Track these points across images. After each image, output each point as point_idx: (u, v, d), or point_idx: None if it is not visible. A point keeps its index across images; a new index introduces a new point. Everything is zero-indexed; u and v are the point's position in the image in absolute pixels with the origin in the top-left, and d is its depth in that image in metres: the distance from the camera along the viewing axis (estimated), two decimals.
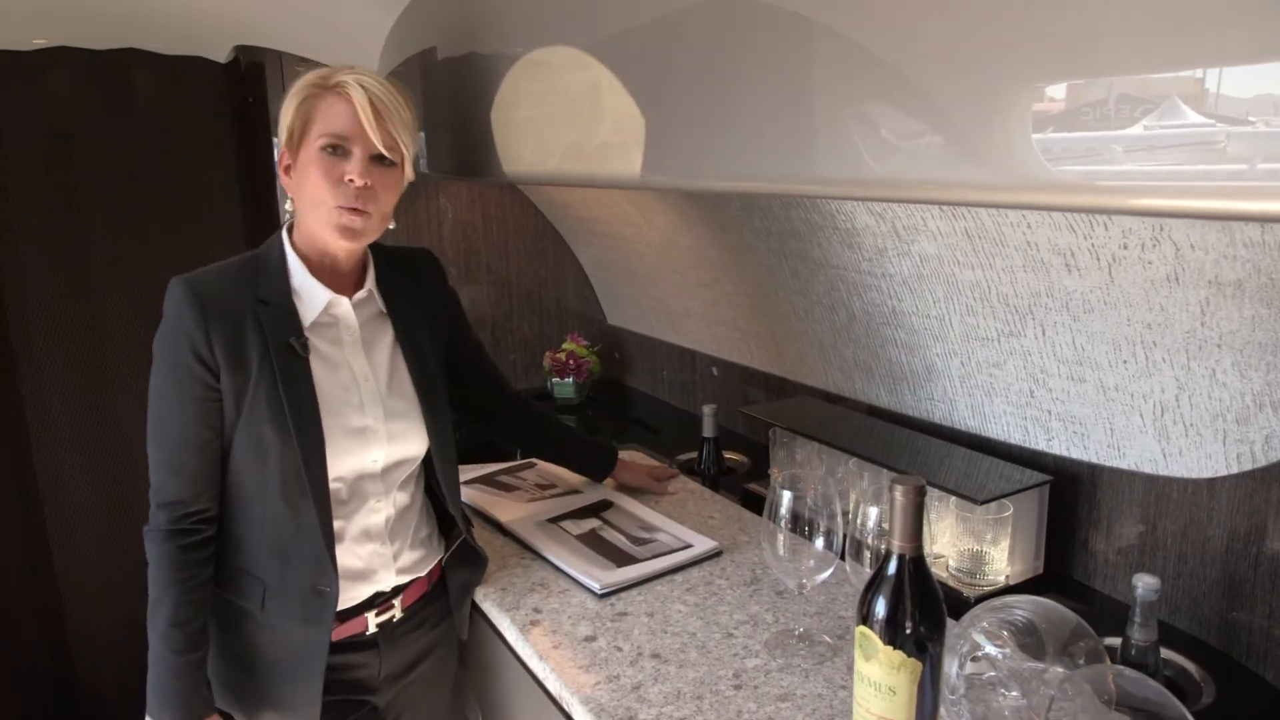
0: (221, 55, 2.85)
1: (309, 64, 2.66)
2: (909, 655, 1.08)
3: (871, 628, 1.10)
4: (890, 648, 1.08)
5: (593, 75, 1.48)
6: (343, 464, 1.46)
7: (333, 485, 1.45)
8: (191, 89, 2.85)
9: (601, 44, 1.49)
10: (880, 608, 1.09)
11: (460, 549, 1.68)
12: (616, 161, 1.43)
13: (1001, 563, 1.65)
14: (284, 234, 1.50)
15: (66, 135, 2.69)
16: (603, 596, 1.63)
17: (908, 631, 1.08)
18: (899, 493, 1.07)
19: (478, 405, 1.87)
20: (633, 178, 1.39)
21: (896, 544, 1.08)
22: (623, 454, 2.14)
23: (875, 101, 1.04)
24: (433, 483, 1.64)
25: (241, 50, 2.80)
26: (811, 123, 1.12)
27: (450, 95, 2.03)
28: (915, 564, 1.08)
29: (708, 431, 2.30)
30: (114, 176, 2.77)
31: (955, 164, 0.97)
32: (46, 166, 2.68)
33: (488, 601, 1.66)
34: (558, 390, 3.02)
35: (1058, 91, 0.87)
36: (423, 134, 2.24)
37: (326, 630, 1.47)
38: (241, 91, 2.86)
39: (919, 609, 1.08)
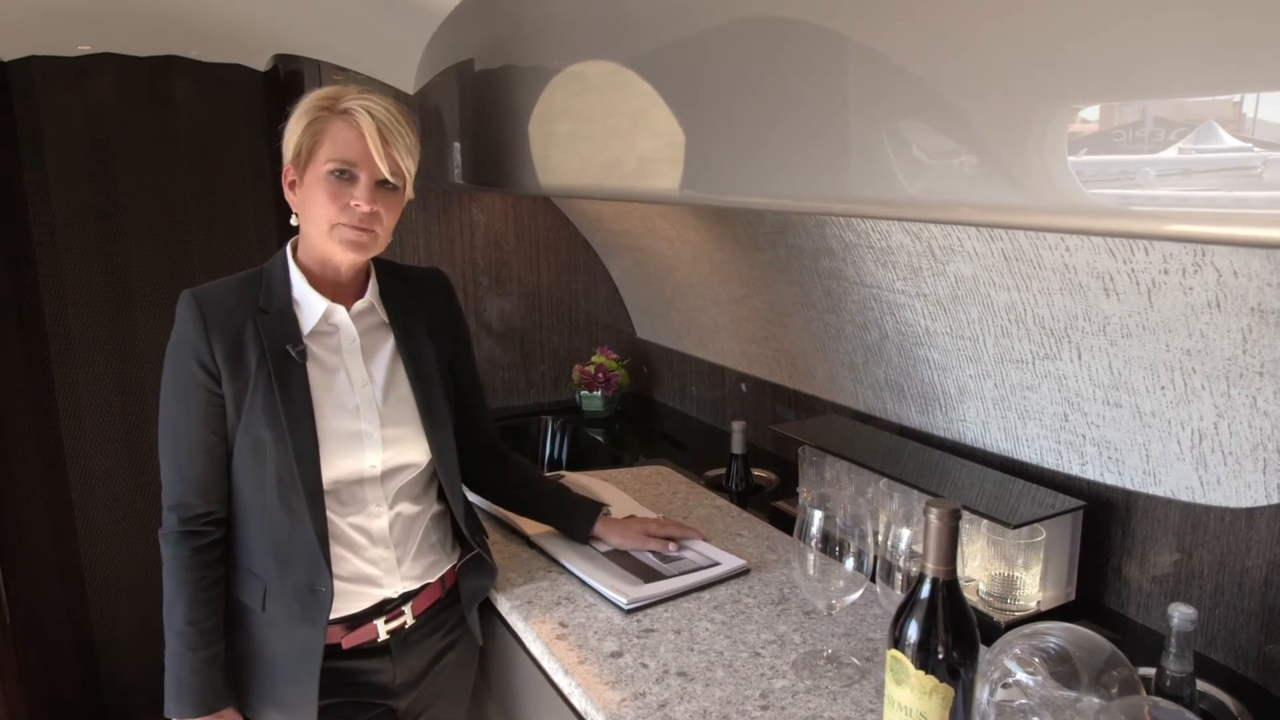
0: (261, 64, 2.88)
1: (348, 73, 2.68)
2: (941, 680, 1.06)
3: (903, 651, 1.09)
4: (922, 672, 1.07)
5: (632, 90, 1.48)
6: (338, 467, 1.50)
7: (330, 487, 1.49)
8: (230, 96, 2.89)
9: (638, 60, 1.49)
10: (913, 632, 1.08)
11: (473, 558, 1.70)
12: (654, 177, 1.43)
13: (1033, 588, 1.63)
14: (287, 249, 1.55)
15: (107, 139, 2.74)
16: (629, 612, 1.62)
17: (940, 656, 1.07)
18: (933, 516, 1.06)
19: (463, 453, 1.71)
20: (670, 194, 1.39)
21: (930, 567, 1.07)
22: (621, 510, 1.94)
23: (909, 120, 1.03)
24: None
25: (280, 59, 2.83)
26: (845, 141, 1.11)
27: (487, 107, 2.04)
28: (949, 588, 1.07)
29: (736, 448, 2.29)
30: (153, 182, 2.81)
31: (986, 185, 0.96)
32: (87, 170, 2.73)
33: (514, 614, 1.66)
34: (586, 403, 3.03)
35: (1092, 113, 0.85)
36: (457, 144, 2.26)
37: (322, 630, 1.50)
38: (280, 100, 2.89)
39: (952, 634, 1.07)
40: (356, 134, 1.44)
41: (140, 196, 2.80)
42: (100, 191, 2.75)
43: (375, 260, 1.60)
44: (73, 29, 2.61)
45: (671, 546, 1.82)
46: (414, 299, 1.64)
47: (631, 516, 1.92)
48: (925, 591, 1.08)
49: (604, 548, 1.84)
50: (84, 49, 2.67)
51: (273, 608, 1.50)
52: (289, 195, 1.52)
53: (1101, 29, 0.82)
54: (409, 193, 1.54)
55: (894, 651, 1.10)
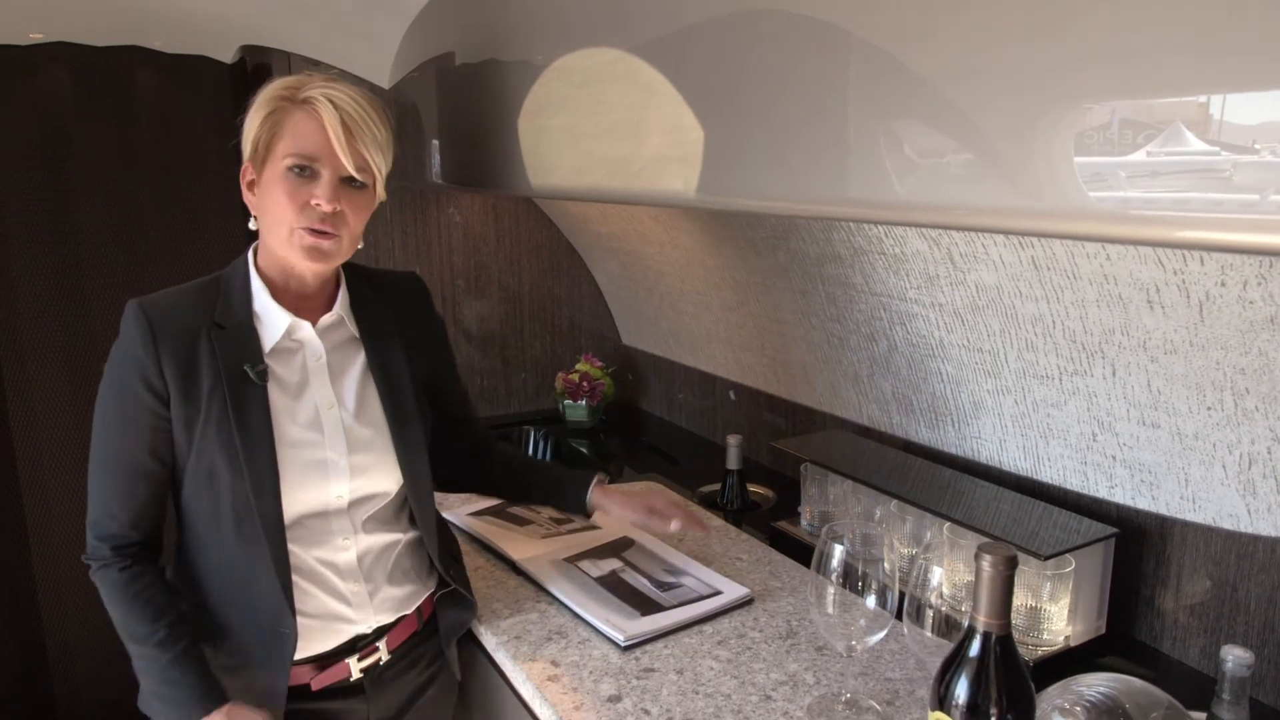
0: (227, 55, 2.72)
1: (319, 66, 2.53)
2: None
3: (950, 714, 0.96)
4: None
5: (642, 81, 1.35)
6: (300, 499, 1.35)
7: (291, 521, 1.35)
8: (195, 90, 2.72)
9: (637, 51, 1.36)
10: (961, 692, 0.96)
11: (450, 591, 1.56)
12: (666, 178, 1.30)
13: (1061, 621, 1.52)
14: (249, 255, 1.40)
15: (62, 136, 2.56)
16: (626, 649, 1.49)
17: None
18: (986, 563, 0.94)
19: (448, 458, 1.62)
20: (683, 196, 1.26)
21: (982, 620, 0.95)
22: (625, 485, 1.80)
23: (909, 120, 0.97)
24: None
25: (248, 50, 2.67)
26: (845, 141, 1.04)
27: (468, 103, 1.91)
28: (1003, 643, 0.95)
29: (732, 464, 2.16)
30: (111, 180, 2.64)
31: (985, 187, 0.91)
32: (40, 168, 2.55)
33: (500, 651, 1.53)
34: (570, 412, 2.89)
35: (1100, 113, 0.81)
36: (436, 142, 2.12)
37: (286, 673, 1.36)
38: (247, 94, 2.72)
39: (1006, 695, 0.94)
40: (317, 125, 1.29)
41: (98, 194, 2.62)
42: (53, 189, 2.57)
43: (346, 265, 1.46)
44: (23, 15, 2.44)
45: (674, 525, 1.63)
46: (387, 308, 1.50)
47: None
48: (975, 648, 0.95)
49: (599, 568, 1.71)
50: (36, 37, 2.50)
51: (229, 650, 1.37)
52: (247, 196, 1.37)
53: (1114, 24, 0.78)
54: (380, 193, 1.39)
55: (938, 714, 0.98)
